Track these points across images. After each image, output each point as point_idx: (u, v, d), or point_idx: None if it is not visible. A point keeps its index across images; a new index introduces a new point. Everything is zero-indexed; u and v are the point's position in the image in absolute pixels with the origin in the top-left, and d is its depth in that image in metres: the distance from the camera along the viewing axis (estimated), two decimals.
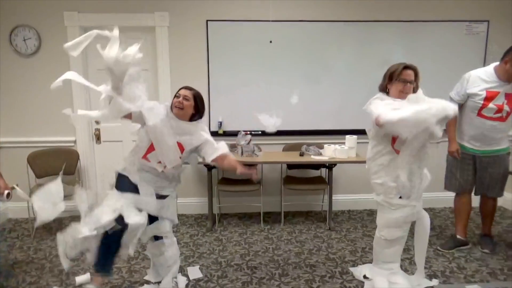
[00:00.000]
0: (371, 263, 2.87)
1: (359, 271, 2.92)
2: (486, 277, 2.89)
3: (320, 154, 3.78)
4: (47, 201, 2.40)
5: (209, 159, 2.43)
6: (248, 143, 3.72)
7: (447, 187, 3.37)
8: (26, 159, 3.79)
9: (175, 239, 2.68)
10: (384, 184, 2.45)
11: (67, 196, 3.62)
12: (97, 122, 4.13)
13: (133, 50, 2.28)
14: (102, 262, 2.38)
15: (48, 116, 3.96)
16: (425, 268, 2.83)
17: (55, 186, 2.45)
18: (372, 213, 4.20)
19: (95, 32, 2.29)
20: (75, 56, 2.27)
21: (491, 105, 2.99)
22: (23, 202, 3.63)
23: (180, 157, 2.45)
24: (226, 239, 3.59)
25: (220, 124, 4.07)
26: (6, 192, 2.66)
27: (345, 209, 4.35)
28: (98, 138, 4.15)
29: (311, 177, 4.21)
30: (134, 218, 2.26)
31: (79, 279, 2.81)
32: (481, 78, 3.02)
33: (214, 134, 4.07)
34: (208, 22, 3.91)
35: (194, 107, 2.44)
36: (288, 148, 4.13)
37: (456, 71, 3.36)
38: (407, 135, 2.18)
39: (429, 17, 4.03)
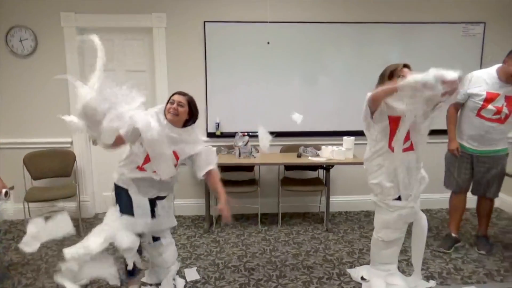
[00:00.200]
0: (369, 264, 2.87)
1: (356, 273, 2.92)
2: (482, 278, 2.90)
3: (318, 155, 3.78)
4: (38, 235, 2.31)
5: (200, 175, 2.47)
6: (246, 145, 3.71)
7: (446, 185, 3.42)
8: (22, 160, 3.77)
9: (173, 239, 2.68)
10: (380, 185, 2.45)
11: (65, 198, 3.65)
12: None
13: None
14: (131, 270, 2.49)
15: (44, 117, 3.94)
16: (422, 269, 2.83)
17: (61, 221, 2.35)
18: (369, 214, 4.20)
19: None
20: None
21: (490, 106, 3.01)
22: (19, 204, 3.61)
23: (175, 165, 2.45)
24: (224, 240, 3.59)
25: (218, 125, 4.06)
26: (4, 190, 2.64)
27: (342, 211, 4.35)
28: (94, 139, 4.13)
29: (308, 178, 4.21)
30: (126, 242, 2.25)
31: None
32: (483, 79, 3.05)
33: (211, 135, 4.08)
34: (206, 23, 3.91)
35: (188, 113, 2.42)
36: (286, 149, 4.13)
37: None
38: (401, 105, 2.17)
39: (426, 19, 4.04)
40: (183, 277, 2.88)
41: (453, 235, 3.38)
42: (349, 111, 4.07)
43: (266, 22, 3.93)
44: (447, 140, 3.30)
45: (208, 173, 2.51)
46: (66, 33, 3.84)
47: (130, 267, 2.39)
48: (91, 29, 3.90)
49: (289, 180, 4.10)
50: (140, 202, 2.41)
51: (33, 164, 3.81)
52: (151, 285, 2.74)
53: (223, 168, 4.07)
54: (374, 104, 2.34)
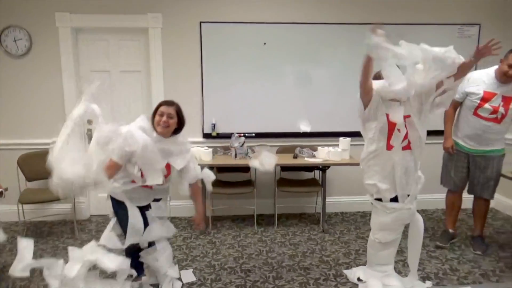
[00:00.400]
0: (365, 265, 2.87)
1: (353, 274, 2.92)
2: (478, 278, 2.91)
3: (314, 156, 3.78)
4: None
5: (185, 186, 2.55)
6: (242, 145, 3.71)
7: (442, 183, 3.48)
8: (16, 162, 3.74)
9: (168, 244, 2.66)
10: (376, 186, 2.45)
11: (59, 200, 3.62)
12: (89, 123, 4.08)
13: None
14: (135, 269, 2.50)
15: (39, 118, 3.91)
16: (418, 270, 2.84)
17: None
18: (365, 215, 4.21)
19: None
20: None
21: (487, 105, 3.05)
22: (13, 205, 3.57)
23: (166, 177, 2.45)
24: (220, 242, 3.57)
25: (214, 126, 4.05)
26: None
27: (338, 211, 4.35)
28: (90, 139, 4.10)
29: (304, 179, 4.21)
30: (112, 266, 2.19)
31: None
32: (481, 79, 3.10)
33: (207, 136, 4.07)
34: (202, 23, 3.89)
35: (177, 122, 2.41)
36: (282, 150, 4.13)
37: None
38: (397, 86, 2.20)
39: (422, 20, 4.06)
40: (179, 279, 2.86)
41: (450, 230, 3.47)
42: (345, 112, 4.08)
43: (262, 23, 3.93)
44: (443, 141, 3.33)
45: (194, 189, 2.66)
46: (61, 33, 3.81)
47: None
48: (87, 29, 3.89)
49: (285, 181, 4.10)
50: (135, 221, 2.41)
51: (27, 166, 3.77)
52: (151, 285, 2.72)
53: (219, 169, 4.08)
54: (364, 92, 2.34)
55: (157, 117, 2.34)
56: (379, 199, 2.49)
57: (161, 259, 2.56)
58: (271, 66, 4.03)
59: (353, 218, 4.19)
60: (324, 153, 3.71)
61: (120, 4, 3.80)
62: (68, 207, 3.89)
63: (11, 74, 3.84)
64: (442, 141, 3.35)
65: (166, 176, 2.46)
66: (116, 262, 2.20)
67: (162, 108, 2.34)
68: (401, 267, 3.05)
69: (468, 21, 4.11)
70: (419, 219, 2.60)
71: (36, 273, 2.96)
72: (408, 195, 2.46)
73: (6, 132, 3.92)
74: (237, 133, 3.84)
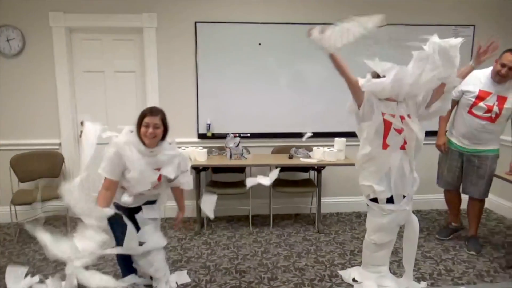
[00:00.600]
0: (360, 265, 2.87)
1: (348, 274, 2.92)
2: (473, 279, 2.92)
3: (309, 156, 3.78)
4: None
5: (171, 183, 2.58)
6: (237, 146, 3.69)
7: (436, 182, 3.57)
8: (9, 163, 3.70)
9: (161, 249, 2.64)
10: (372, 187, 2.44)
11: (51, 199, 3.59)
12: (82, 124, 4.05)
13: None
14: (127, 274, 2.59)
15: (32, 118, 3.88)
16: (413, 270, 2.84)
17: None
18: (360, 215, 4.21)
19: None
20: None
21: (481, 104, 3.09)
22: (5, 206, 3.54)
23: (156, 186, 2.46)
24: (215, 242, 3.56)
25: (209, 126, 4.03)
26: None
27: (333, 212, 4.35)
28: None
29: (300, 179, 4.20)
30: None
31: None
32: (477, 78, 3.12)
33: (202, 136, 4.06)
34: (197, 23, 3.88)
35: (163, 130, 2.38)
36: (277, 150, 4.12)
37: None
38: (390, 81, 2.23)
39: (417, 21, 4.07)
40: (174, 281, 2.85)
41: (454, 224, 3.62)
42: (340, 112, 4.03)
43: (258, 23, 3.92)
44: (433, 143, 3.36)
45: (178, 190, 2.69)
46: (55, 33, 3.77)
47: None
48: (80, 29, 3.86)
49: (281, 181, 4.09)
50: (131, 234, 2.41)
51: (20, 166, 3.74)
52: (145, 286, 2.70)
53: (214, 169, 4.07)
54: (353, 90, 2.39)
55: (143, 129, 2.30)
56: (375, 201, 2.48)
57: (156, 264, 2.54)
58: (266, 66, 4.02)
59: (348, 218, 4.19)
60: (320, 153, 3.71)
61: (115, 3, 3.78)
62: (61, 205, 3.84)
63: (4, 74, 3.80)
64: (435, 142, 3.37)
65: (156, 185, 2.46)
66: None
67: (147, 119, 2.29)
68: (396, 268, 3.05)
69: (463, 22, 4.13)
70: (414, 219, 2.60)
71: (30, 274, 2.93)
72: (404, 196, 2.45)
73: None
74: (232, 134, 3.82)
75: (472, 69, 2.56)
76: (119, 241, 2.39)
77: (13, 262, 3.13)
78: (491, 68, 3.13)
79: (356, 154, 2.56)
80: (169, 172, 2.43)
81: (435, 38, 2.26)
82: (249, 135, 4.10)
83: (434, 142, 3.42)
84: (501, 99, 3.06)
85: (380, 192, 2.41)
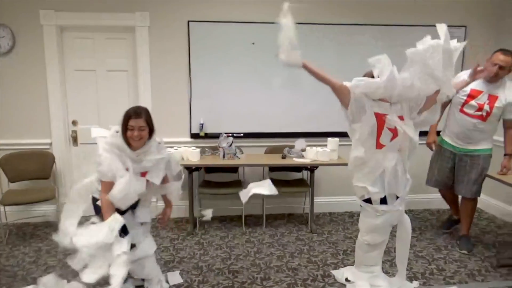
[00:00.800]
0: (353, 265, 2.87)
1: (341, 274, 2.92)
2: (464, 278, 2.94)
3: (302, 156, 3.77)
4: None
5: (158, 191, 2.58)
6: (230, 146, 3.68)
7: (427, 182, 3.61)
8: None
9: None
10: (366, 189, 2.43)
11: (44, 200, 3.55)
12: (74, 123, 4.02)
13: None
14: None
15: (22, 118, 3.83)
16: (406, 270, 2.84)
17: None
18: (353, 215, 4.22)
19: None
20: None
21: (473, 102, 3.13)
22: None
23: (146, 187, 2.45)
24: (207, 243, 3.54)
25: (202, 126, 4.01)
26: None
27: (326, 212, 4.35)
28: (75, 140, 4.04)
29: (293, 179, 4.20)
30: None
31: None
32: None
33: (195, 136, 4.03)
34: (190, 22, 3.86)
35: (149, 130, 2.35)
36: (270, 150, 4.11)
37: None
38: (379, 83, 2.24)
39: (409, 22, 4.08)
40: (166, 282, 2.82)
41: (455, 216, 3.70)
42: (333, 112, 4.04)
43: (251, 22, 3.91)
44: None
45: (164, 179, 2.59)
46: (45, 31, 3.73)
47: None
48: (72, 27, 3.82)
49: (274, 181, 4.01)
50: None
51: (10, 166, 3.69)
52: (136, 286, 2.68)
53: (207, 169, 4.05)
54: (337, 93, 2.42)
55: (128, 132, 2.26)
56: (369, 201, 2.47)
57: (148, 267, 2.52)
58: (259, 66, 4.01)
59: (341, 218, 4.20)
60: (313, 153, 3.71)
61: (107, 2, 3.74)
62: (52, 208, 3.81)
63: None
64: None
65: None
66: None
67: (132, 122, 2.26)
68: (388, 267, 3.06)
69: (455, 23, 4.15)
70: (407, 219, 2.61)
71: (18, 278, 2.90)
72: (398, 197, 2.45)
73: None
74: (225, 133, 3.81)
75: (467, 84, 2.70)
76: None
77: (2, 265, 3.09)
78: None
79: (349, 154, 2.55)
80: (154, 178, 2.42)
81: (437, 41, 2.27)
82: (242, 135, 4.09)
83: (423, 142, 3.43)
84: (492, 98, 3.10)
85: (374, 193, 2.41)
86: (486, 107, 3.10)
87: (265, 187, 2.62)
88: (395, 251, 2.73)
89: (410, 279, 2.87)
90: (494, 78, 3.06)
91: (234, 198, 3.95)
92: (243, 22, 3.91)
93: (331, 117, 4.10)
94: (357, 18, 4.05)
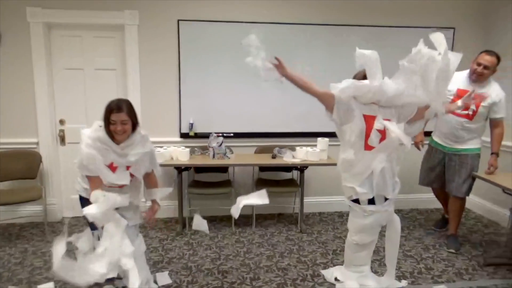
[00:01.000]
0: (342, 265, 2.87)
1: (330, 274, 2.93)
2: (452, 277, 2.97)
3: (292, 156, 3.78)
4: None
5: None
6: (220, 145, 3.66)
7: (419, 182, 3.70)
8: None
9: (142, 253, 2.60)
10: (354, 189, 2.43)
11: (30, 201, 3.49)
12: (61, 122, 3.96)
13: None
14: None
15: (8, 116, 3.76)
16: (395, 269, 2.86)
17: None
18: (342, 215, 4.24)
19: None
20: None
21: (459, 101, 3.14)
22: None
23: (131, 181, 2.44)
24: (197, 243, 3.52)
25: (191, 125, 3.99)
26: None
27: (316, 211, 4.36)
28: (62, 139, 3.98)
29: (282, 179, 4.20)
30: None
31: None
32: (456, 78, 3.18)
33: (185, 136, 4.01)
34: (180, 21, 3.83)
35: (132, 123, 2.31)
36: (260, 150, 4.11)
37: None
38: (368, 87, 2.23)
39: (399, 23, 4.12)
40: (155, 282, 2.80)
41: (447, 216, 3.74)
42: (323, 113, 4.06)
43: (241, 22, 3.90)
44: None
45: (149, 175, 2.62)
46: (32, 29, 3.67)
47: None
48: (60, 25, 3.77)
49: (264, 181, 4.08)
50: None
51: None
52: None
53: (197, 169, 4.03)
54: (323, 101, 2.42)
55: (111, 127, 2.24)
56: (357, 202, 2.47)
57: (137, 265, 2.49)
58: (249, 65, 3.99)
59: (330, 218, 4.21)
60: (303, 153, 3.71)
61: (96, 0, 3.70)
62: (39, 209, 3.75)
63: None
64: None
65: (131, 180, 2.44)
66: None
67: (114, 117, 2.22)
68: (377, 267, 3.07)
69: (443, 25, 4.20)
70: (396, 219, 2.61)
71: (4, 279, 2.85)
72: (386, 199, 2.44)
73: None
74: (215, 133, 3.79)
75: (458, 108, 2.81)
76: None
77: None
78: (469, 70, 3.25)
79: (338, 155, 2.55)
80: (137, 171, 2.42)
81: (435, 53, 2.21)
82: (232, 134, 4.07)
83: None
84: (478, 98, 3.16)
85: (362, 194, 2.41)
86: (472, 106, 3.17)
87: (256, 197, 2.60)
88: (384, 251, 2.74)
89: (399, 278, 2.89)
90: (479, 78, 3.15)
91: (224, 198, 3.97)
92: (234, 21, 3.90)
93: (321, 117, 4.04)
94: (346, 19, 4.06)
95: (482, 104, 3.16)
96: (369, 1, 4.07)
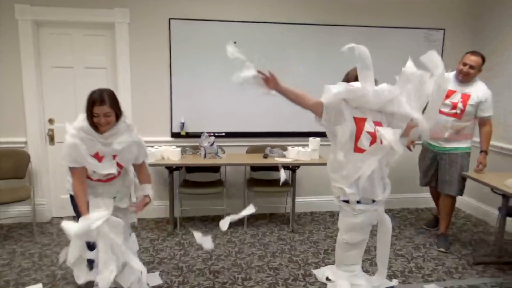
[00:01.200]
0: (333, 264, 2.87)
1: (321, 273, 2.93)
2: (442, 276, 2.99)
3: (284, 156, 3.78)
4: None
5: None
6: (212, 145, 3.65)
7: (420, 183, 3.80)
8: None
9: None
10: (343, 190, 2.43)
11: (18, 201, 3.44)
12: (50, 122, 3.91)
13: None
14: None
15: None
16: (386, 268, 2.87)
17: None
18: (334, 215, 4.25)
19: None
20: None
21: (447, 101, 3.31)
22: None
23: (120, 172, 2.43)
24: (188, 243, 3.50)
25: (183, 125, 3.97)
26: None
27: (307, 211, 4.37)
28: (51, 138, 3.93)
29: (274, 179, 4.19)
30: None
31: None
32: None
33: (176, 135, 3.98)
34: (171, 20, 3.81)
35: (116, 114, 2.28)
36: (252, 150, 4.10)
37: None
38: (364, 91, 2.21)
39: (389, 24, 4.14)
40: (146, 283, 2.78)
41: (439, 216, 3.76)
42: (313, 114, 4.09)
43: (233, 21, 3.89)
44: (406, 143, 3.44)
45: (141, 168, 2.59)
46: (21, 26, 3.61)
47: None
48: (49, 22, 3.72)
49: (255, 181, 4.07)
50: (97, 203, 2.35)
51: None
52: None
53: (188, 169, 4.00)
54: (315, 111, 2.40)
55: (94, 119, 2.21)
56: (346, 201, 2.47)
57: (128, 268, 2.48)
58: (241, 64, 3.98)
59: (322, 217, 4.22)
60: (294, 153, 3.71)
61: None
62: (27, 209, 3.70)
63: None
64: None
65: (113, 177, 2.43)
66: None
67: (96, 110, 2.18)
68: (368, 266, 3.09)
69: (434, 26, 4.24)
70: (387, 219, 2.62)
71: None
72: (374, 201, 2.44)
73: None
74: (207, 133, 3.77)
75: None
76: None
77: None
78: (455, 71, 3.37)
79: (328, 155, 2.54)
80: (124, 160, 2.40)
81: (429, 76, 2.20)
82: (224, 134, 4.06)
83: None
84: (465, 97, 3.28)
85: (350, 194, 2.41)
86: (460, 105, 3.27)
87: (243, 212, 2.66)
88: (375, 250, 2.75)
89: (390, 277, 2.90)
90: (466, 78, 3.27)
91: (215, 198, 3.95)
92: (225, 20, 3.89)
93: (312, 116, 4.09)
94: (337, 19, 4.08)
95: (469, 102, 3.26)
96: (359, 1, 4.08)
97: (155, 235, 3.66)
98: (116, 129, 2.29)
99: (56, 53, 3.80)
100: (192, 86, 3.95)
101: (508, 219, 3.18)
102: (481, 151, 3.33)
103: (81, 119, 2.27)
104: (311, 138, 3.79)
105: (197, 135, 3.83)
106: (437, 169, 3.50)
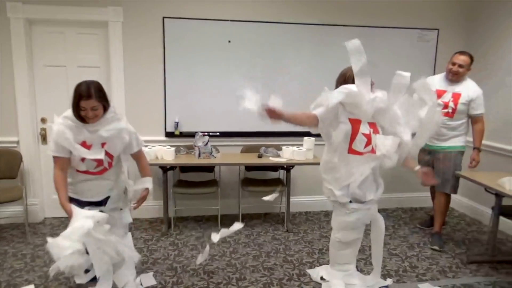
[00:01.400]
0: (328, 264, 2.88)
1: (316, 273, 2.93)
2: (436, 275, 3.00)
3: (278, 155, 3.77)
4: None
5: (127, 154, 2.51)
6: (206, 144, 3.63)
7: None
8: None
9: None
10: (333, 191, 2.42)
11: (10, 201, 3.40)
12: (43, 121, 3.87)
13: None
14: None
15: None
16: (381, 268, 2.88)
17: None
18: (328, 214, 4.25)
19: None
20: None
21: (438, 101, 3.34)
22: None
23: (110, 163, 2.41)
24: (182, 243, 3.48)
25: (177, 124, 3.94)
26: None
27: (302, 211, 4.37)
28: (44, 138, 3.89)
29: (269, 178, 4.19)
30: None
31: None
32: (434, 80, 3.46)
33: (170, 135, 3.96)
34: (165, 19, 3.78)
35: (103, 106, 2.25)
36: (246, 149, 4.09)
37: None
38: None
39: (384, 24, 4.15)
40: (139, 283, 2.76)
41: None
42: (309, 112, 4.08)
43: (227, 20, 3.87)
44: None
45: (140, 158, 2.60)
46: (12, 24, 3.57)
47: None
48: (41, 20, 3.68)
49: (250, 180, 4.06)
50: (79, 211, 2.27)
51: None
52: None
53: (182, 168, 3.99)
54: (311, 124, 2.40)
55: (81, 113, 2.19)
56: None
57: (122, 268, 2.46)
58: (235, 64, 3.98)
59: (316, 217, 4.22)
60: (289, 152, 3.71)
61: None
62: (19, 209, 3.66)
63: None
64: None
65: (104, 169, 2.40)
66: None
67: (83, 104, 2.15)
68: (363, 265, 3.09)
69: (428, 26, 4.25)
70: (380, 219, 2.62)
71: None
72: (363, 202, 2.43)
73: None
74: (201, 132, 3.76)
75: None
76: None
77: None
78: (444, 72, 3.45)
79: (321, 159, 2.54)
80: (112, 148, 2.35)
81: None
82: (218, 133, 4.05)
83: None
84: (456, 96, 3.34)
85: (340, 196, 2.40)
86: (451, 104, 3.33)
87: (233, 227, 2.73)
88: (369, 250, 2.76)
89: (384, 276, 2.91)
90: (455, 77, 3.33)
91: (210, 197, 3.94)
92: (219, 19, 3.87)
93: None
94: (333, 19, 4.07)
95: (460, 101, 3.31)
96: (354, 1, 4.09)
97: (149, 235, 3.64)
98: (104, 119, 2.28)
99: (49, 51, 3.77)
100: (186, 85, 3.93)
101: (501, 218, 3.19)
102: (474, 148, 3.40)
103: (69, 111, 2.26)
104: (305, 138, 3.79)
105: (191, 135, 3.81)
106: (433, 167, 3.51)
